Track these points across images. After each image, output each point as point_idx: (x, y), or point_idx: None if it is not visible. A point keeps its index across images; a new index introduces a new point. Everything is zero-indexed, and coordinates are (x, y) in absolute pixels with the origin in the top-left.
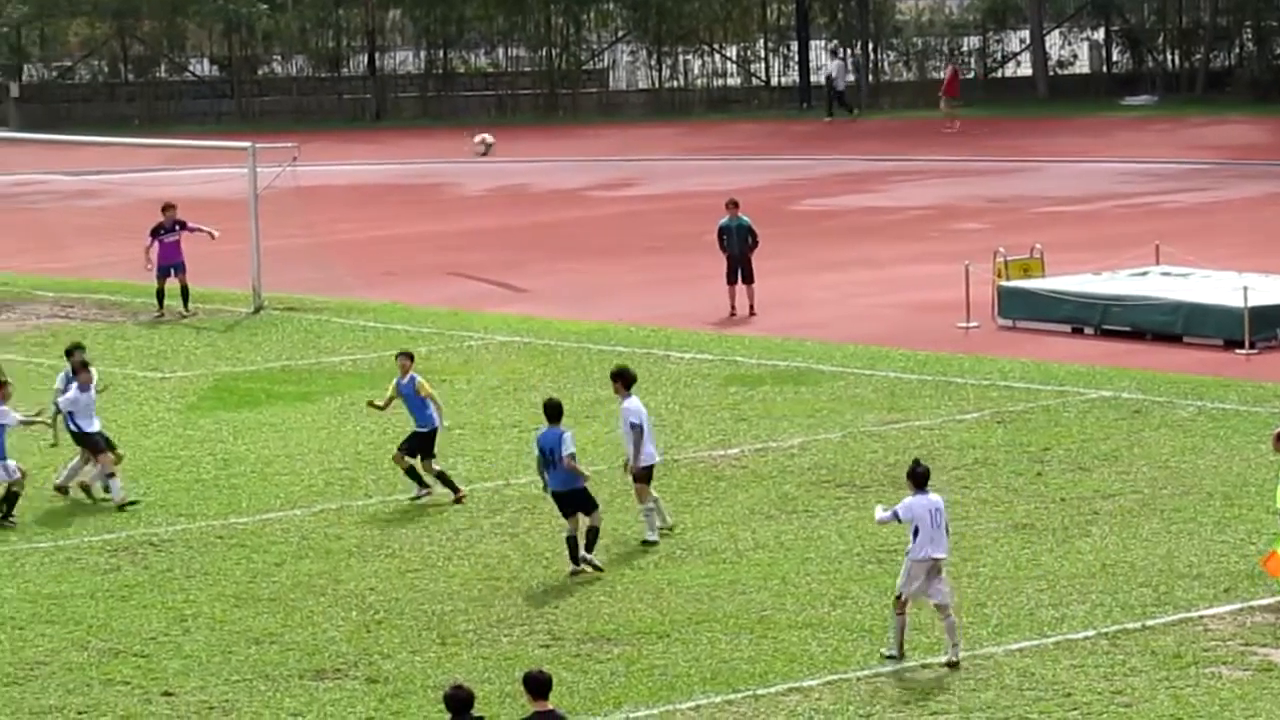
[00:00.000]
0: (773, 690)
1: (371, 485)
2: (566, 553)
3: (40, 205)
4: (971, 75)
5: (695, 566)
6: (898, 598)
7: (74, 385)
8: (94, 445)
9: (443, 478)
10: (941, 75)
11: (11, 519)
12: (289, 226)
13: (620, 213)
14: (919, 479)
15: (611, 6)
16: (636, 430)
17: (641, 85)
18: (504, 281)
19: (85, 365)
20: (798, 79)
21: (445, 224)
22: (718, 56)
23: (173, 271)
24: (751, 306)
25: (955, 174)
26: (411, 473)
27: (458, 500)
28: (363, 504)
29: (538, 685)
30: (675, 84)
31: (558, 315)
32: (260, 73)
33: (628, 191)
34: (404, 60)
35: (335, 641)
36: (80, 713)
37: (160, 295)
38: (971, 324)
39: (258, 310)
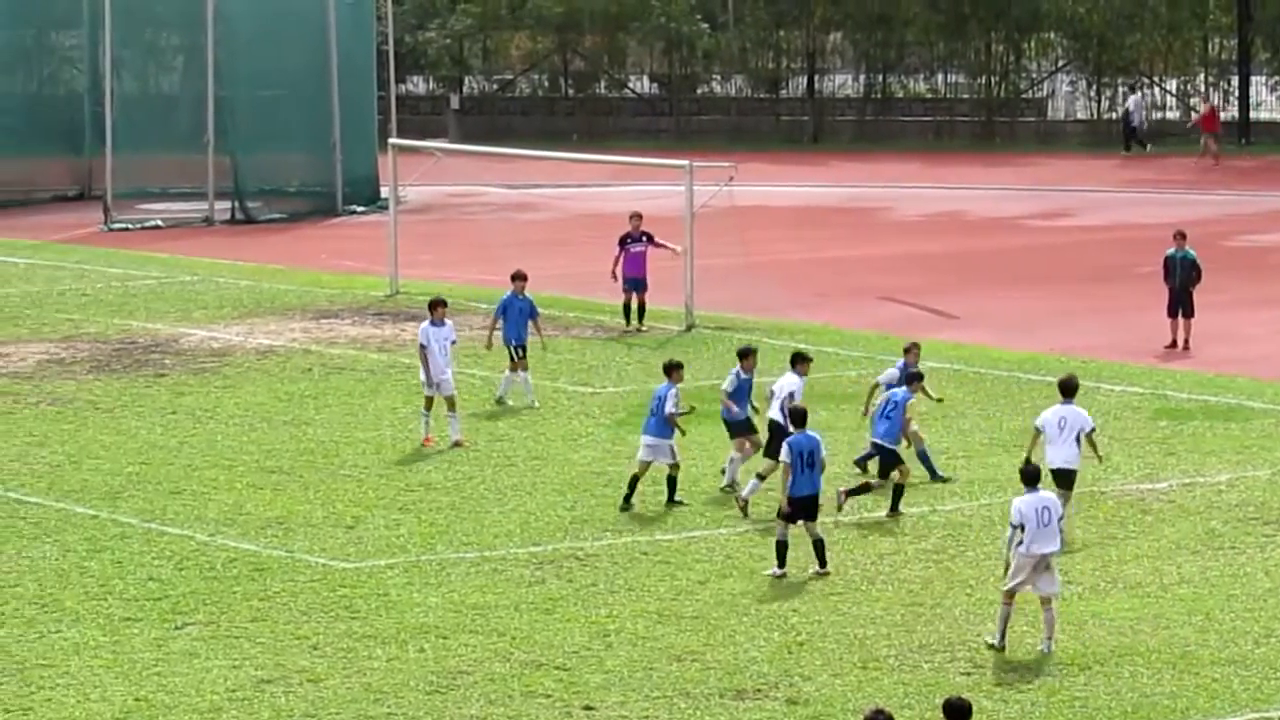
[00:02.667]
0: None
1: None
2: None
3: (476, 216)
4: None
5: (1119, 599)
6: (1007, 590)
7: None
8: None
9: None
10: None
11: (680, 501)
12: (723, 245)
13: (1055, 242)
14: (1027, 478)
15: (1053, 36)
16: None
17: (1080, 115)
18: (936, 308)
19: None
20: (1237, 114)
21: (879, 248)
22: (1157, 89)
23: (638, 288)
24: (1187, 340)
25: None
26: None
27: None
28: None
29: (959, 713)
30: (1113, 115)
31: (988, 342)
32: (699, 91)
33: (1063, 221)
34: (843, 83)
35: (756, 661)
36: None
37: (627, 310)
38: None
39: (689, 328)
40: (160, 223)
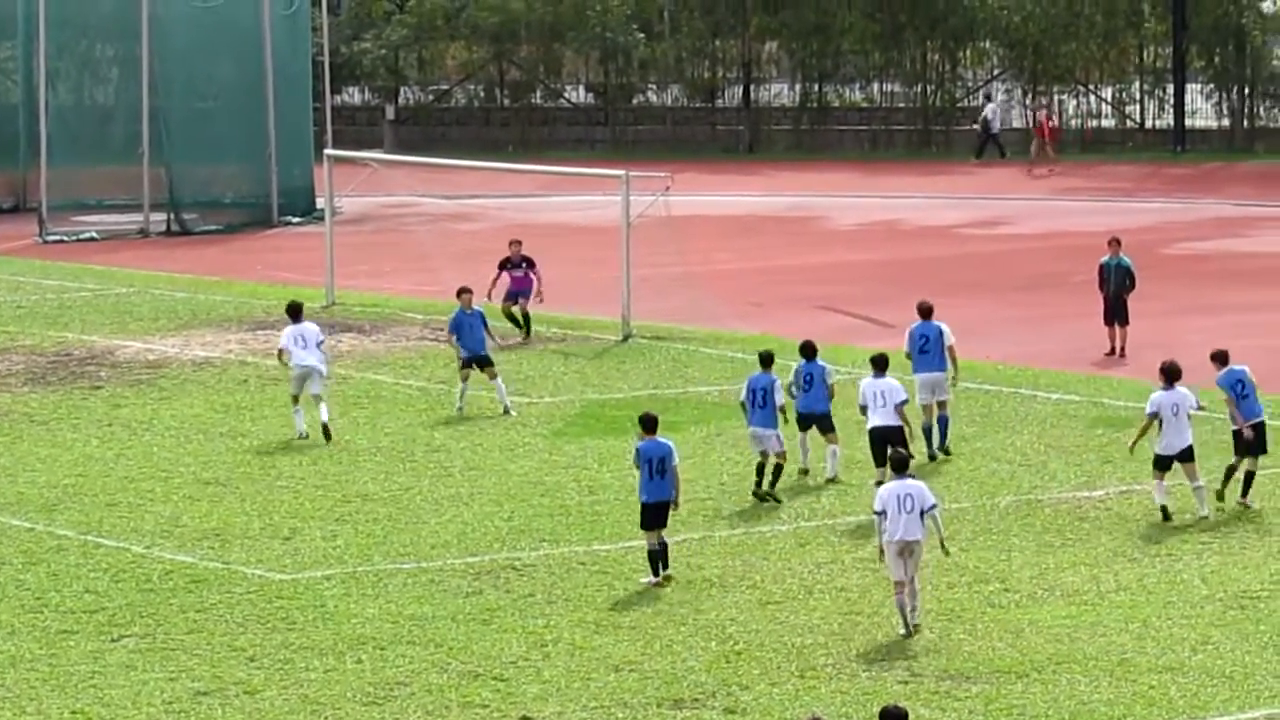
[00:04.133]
0: None
1: (735, 516)
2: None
3: (412, 228)
4: None
5: (1056, 607)
6: (895, 581)
7: None
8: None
9: None
10: None
11: (775, 497)
12: (660, 255)
13: (991, 251)
14: (896, 464)
15: (988, 45)
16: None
17: (1015, 124)
18: (872, 316)
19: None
20: (1173, 122)
21: (816, 257)
22: (1093, 97)
23: (519, 298)
24: (1123, 348)
25: None
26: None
27: None
28: (726, 534)
29: None
30: (1053, 124)
31: None
32: (635, 101)
33: (999, 229)
34: (779, 93)
35: (694, 671)
36: None
37: (511, 318)
38: None
39: (626, 338)
40: (96, 235)
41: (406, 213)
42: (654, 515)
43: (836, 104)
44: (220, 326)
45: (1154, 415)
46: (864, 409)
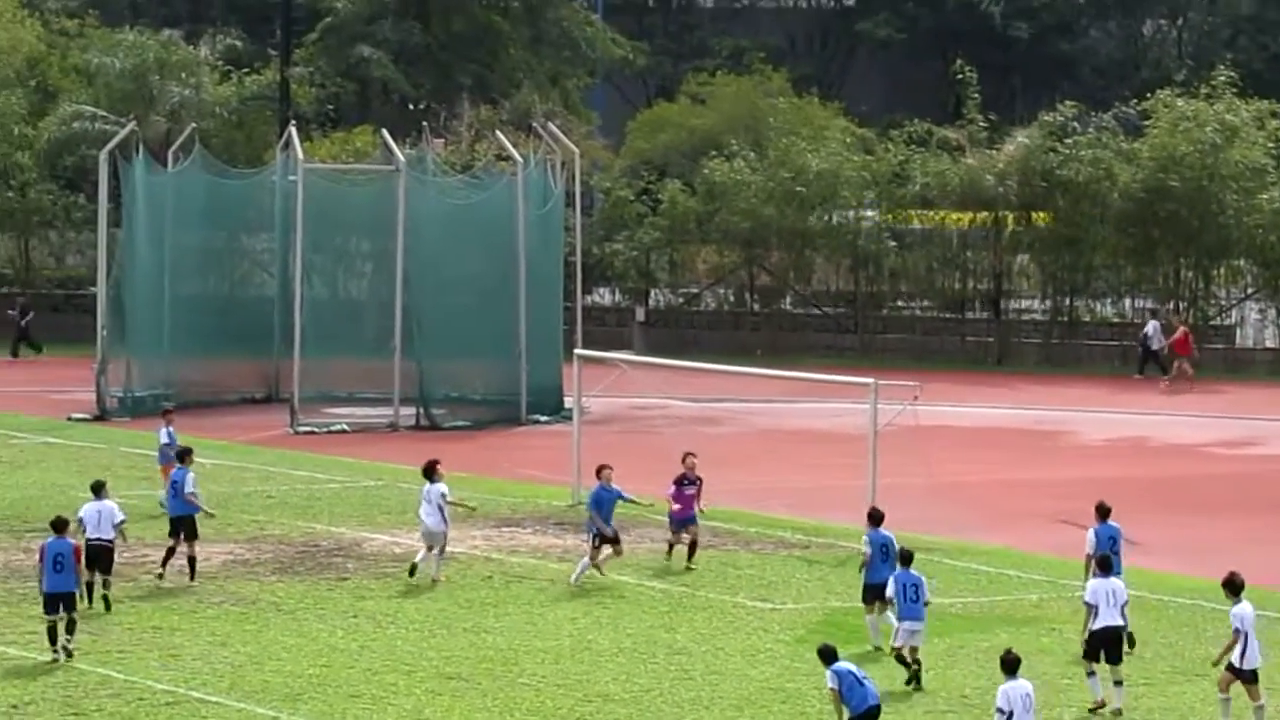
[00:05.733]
0: None
1: None
2: None
3: (660, 429)
4: None
5: None
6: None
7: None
8: None
9: None
10: None
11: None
12: (906, 464)
13: (1242, 471)
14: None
15: (1243, 263)
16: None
17: (1269, 344)
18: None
19: None
20: None
21: (1061, 471)
22: None
23: (686, 527)
24: None
25: None
26: None
27: None
28: None
29: None
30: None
31: (1171, 570)
32: (884, 310)
33: (1251, 450)
34: (1028, 305)
35: None
36: None
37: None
38: None
39: None
40: (346, 427)
41: (654, 414)
42: None
43: (1087, 318)
44: (465, 522)
45: None
46: (1093, 608)
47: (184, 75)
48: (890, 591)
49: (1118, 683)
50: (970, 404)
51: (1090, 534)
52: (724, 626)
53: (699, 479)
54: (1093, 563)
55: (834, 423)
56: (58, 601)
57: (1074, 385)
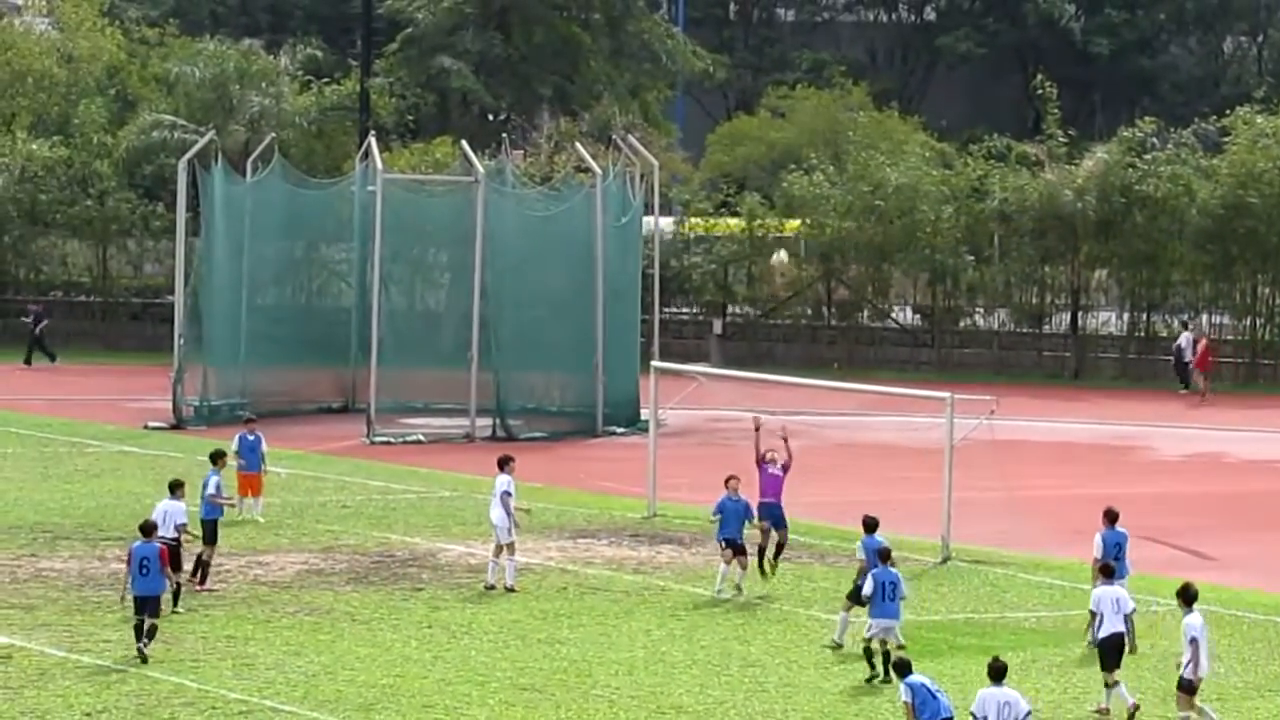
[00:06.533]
0: None
1: None
2: None
3: (735, 442)
4: None
5: None
6: None
7: None
8: None
9: None
10: None
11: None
12: (982, 479)
13: None
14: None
15: None
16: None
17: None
18: (1194, 549)
19: None
20: None
21: (1138, 486)
22: None
23: (776, 521)
24: None
25: None
26: None
27: None
28: None
29: None
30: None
31: (1248, 586)
32: (961, 324)
33: None
34: (1106, 320)
35: None
36: None
37: (761, 554)
38: None
39: (945, 560)
40: (422, 437)
41: (730, 427)
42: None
43: (1164, 334)
44: (541, 533)
45: None
46: (1098, 616)
47: (264, 85)
48: (867, 589)
49: (1111, 685)
50: (1047, 418)
51: (1097, 539)
52: (798, 639)
53: (788, 460)
54: (1097, 569)
55: (910, 437)
56: (144, 604)
57: (1150, 400)
